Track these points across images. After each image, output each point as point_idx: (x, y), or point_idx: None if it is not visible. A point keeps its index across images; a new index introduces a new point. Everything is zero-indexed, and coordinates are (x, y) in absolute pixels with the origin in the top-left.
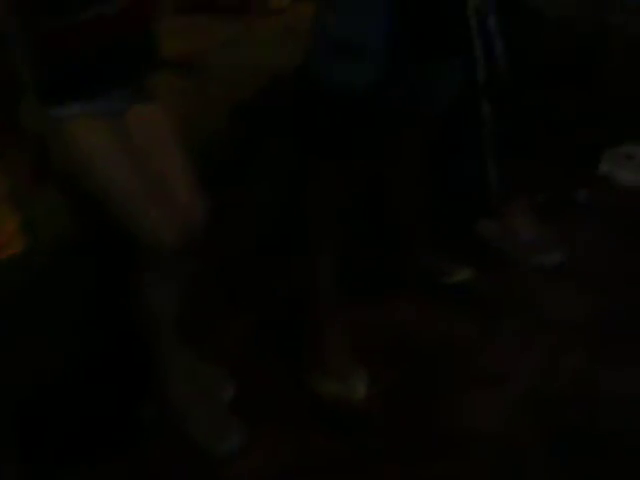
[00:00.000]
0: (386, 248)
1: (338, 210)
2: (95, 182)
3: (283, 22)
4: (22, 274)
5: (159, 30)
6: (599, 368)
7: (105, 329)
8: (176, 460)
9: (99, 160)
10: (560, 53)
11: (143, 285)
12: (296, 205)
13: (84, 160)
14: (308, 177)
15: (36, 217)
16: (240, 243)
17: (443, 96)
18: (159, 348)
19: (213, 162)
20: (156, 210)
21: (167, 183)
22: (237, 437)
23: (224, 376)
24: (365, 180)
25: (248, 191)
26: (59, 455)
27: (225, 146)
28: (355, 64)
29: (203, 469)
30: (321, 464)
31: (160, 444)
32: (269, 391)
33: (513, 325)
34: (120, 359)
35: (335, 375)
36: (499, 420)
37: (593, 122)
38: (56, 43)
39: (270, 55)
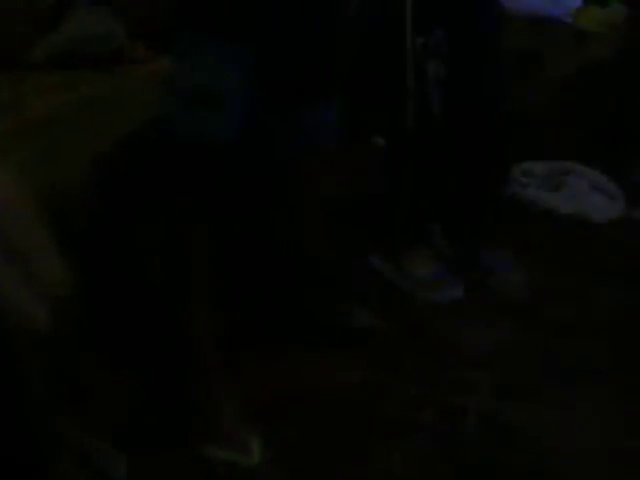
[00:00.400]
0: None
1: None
2: None
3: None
4: None
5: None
6: (505, 404)
7: None
8: None
9: None
10: None
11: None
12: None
13: None
14: (176, 241)
15: None
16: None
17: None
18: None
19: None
20: (24, 290)
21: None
22: None
23: (115, 455)
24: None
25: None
26: None
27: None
28: (208, 114)
29: None
30: None
31: None
32: (160, 464)
33: (417, 366)
34: None
35: (227, 442)
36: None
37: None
38: None
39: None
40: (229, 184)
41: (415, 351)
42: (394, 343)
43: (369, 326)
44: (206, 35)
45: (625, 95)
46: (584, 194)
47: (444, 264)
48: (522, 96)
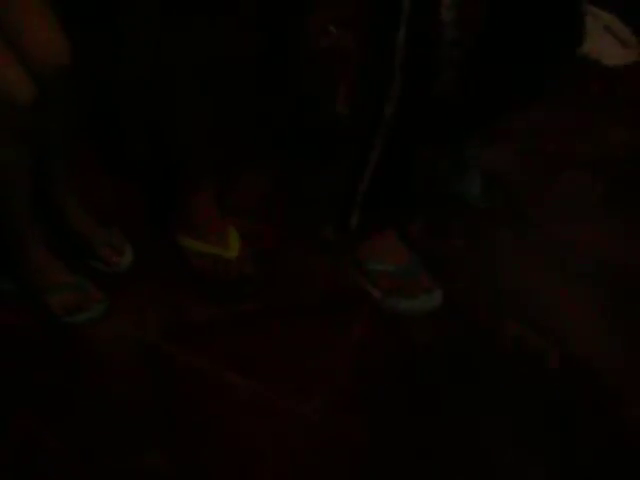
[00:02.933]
0: None
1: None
2: None
3: None
4: None
5: None
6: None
7: None
8: (30, 330)
9: None
10: None
11: None
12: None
13: None
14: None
15: None
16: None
17: None
18: (10, 215)
19: None
20: (5, 59)
21: (16, 24)
22: (100, 307)
23: (118, 240)
24: None
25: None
26: None
27: None
28: None
29: (59, 341)
30: (197, 328)
31: (17, 315)
32: (140, 249)
33: None
34: None
35: (206, 235)
36: None
37: None
38: None
39: None
40: None
41: None
42: None
43: None
44: None
45: None
46: (597, 36)
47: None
48: None
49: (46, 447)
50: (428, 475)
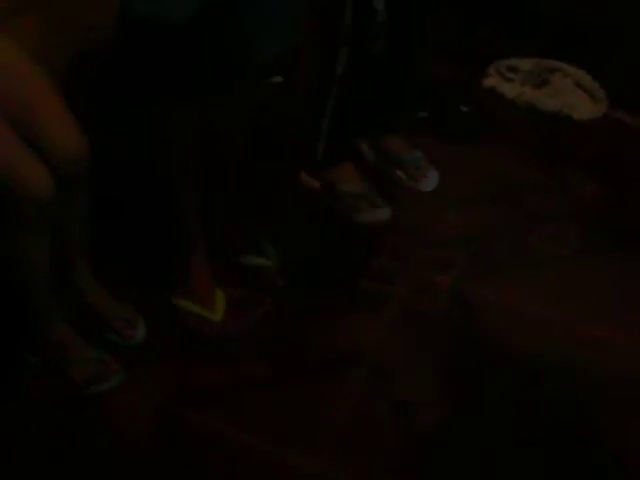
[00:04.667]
0: None
1: (189, 146)
2: None
3: None
4: None
5: None
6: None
7: None
8: (55, 400)
9: None
10: None
11: (14, 236)
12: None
13: None
14: (152, 118)
15: None
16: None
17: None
18: (33, 294)
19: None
20: (26, 158)
21: (38, 123)
22: (118, 377)
23: (132, 314)
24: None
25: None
26: None
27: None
28: None
29: (80, 410)
30: (193, 393)
31: (42, 386)
32: (151, 317)
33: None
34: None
35: (194, 295)
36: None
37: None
38: None
39: None
40: (194, 64)
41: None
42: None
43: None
44: None
45: None
46: (568, 92)
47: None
48: None
49: None
50: None
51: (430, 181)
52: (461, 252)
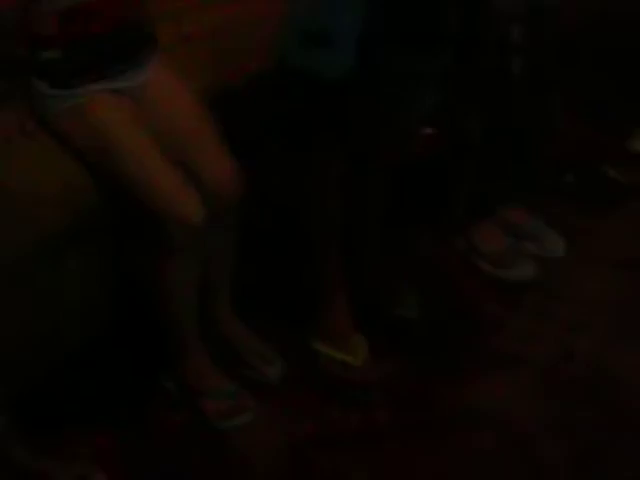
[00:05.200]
0: None
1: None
2: (115, 162)
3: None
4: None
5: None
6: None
7: (124, 302)
8: (187, 431)
9: (118, 140)
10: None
11: (164, 268)
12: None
13: (103, 140)
14: (301, 170)
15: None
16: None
17: (422, 99)
18: (179, 323)
19: None
20: (181, 185)
21: (194, 153)
22: (250, 414)
23: (269, 351)
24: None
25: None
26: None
27: None
28: (324, 52)
29: (212, 442)
30: (326, 435)
31: (174, 414)
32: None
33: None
34: (141, 331)
35: (338, 340)
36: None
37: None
38: (62, 25)
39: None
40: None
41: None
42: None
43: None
44: None
45: None
46: None
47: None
48: None
49: None
50: None
51: (555, 247)
52: (602, 316)
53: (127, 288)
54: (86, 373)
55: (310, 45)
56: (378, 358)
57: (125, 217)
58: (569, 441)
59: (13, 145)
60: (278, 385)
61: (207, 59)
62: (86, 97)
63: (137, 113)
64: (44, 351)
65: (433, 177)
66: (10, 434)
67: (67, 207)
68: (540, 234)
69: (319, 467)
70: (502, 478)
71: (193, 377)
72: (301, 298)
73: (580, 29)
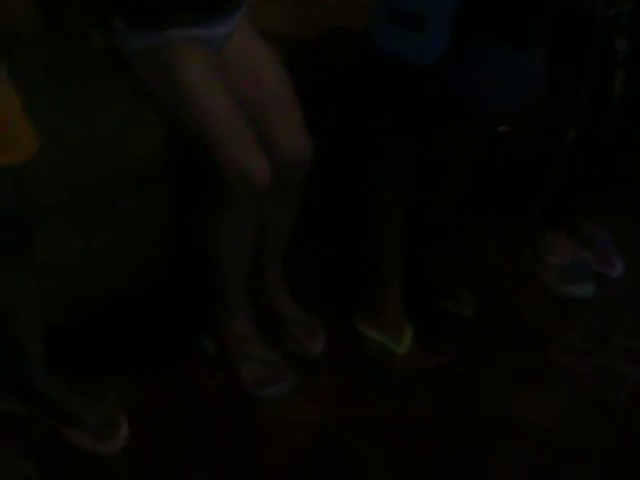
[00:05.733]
0: None
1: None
2: (189, 109)
3: None
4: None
5: None
6: None
7: (179, 252)
8: (219, 394)
9: (195, 89)
10: None
11: (221, 222)
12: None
13: (179, 87)
14: (371, 154)
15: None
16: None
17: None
18: (227, 282)
19: None
20: (250, 143)
21: (270, 115)
22: (286, 385)
23: (315, 326)
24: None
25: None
26: (105, 362)
27: None
28: (414, 35)
29: (242, 409)
30: (358, 419)
31: (210, 376)
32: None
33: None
34: (189, 287)
35: (382, 325)
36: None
37: None
38: None
39: None
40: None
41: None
42: None
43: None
44: None
45: None
46: None
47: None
48: None
49: None
50: None
51: (618, 268)
52: None
53: (183, 240)
54: (128, 319)
55: (401, 26)
56: (424, 351)
57: (190, 165)
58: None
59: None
60: (318, 361)
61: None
62: (166, 41)
63: (217, 64)
64: (91, 288)
65: (513, 178)
66: (43, 367)
67: (128, 149)
68: (606, 250)
69: (345, 450)
70: None
71: (233, 341)
72: (354, 278)
73: None
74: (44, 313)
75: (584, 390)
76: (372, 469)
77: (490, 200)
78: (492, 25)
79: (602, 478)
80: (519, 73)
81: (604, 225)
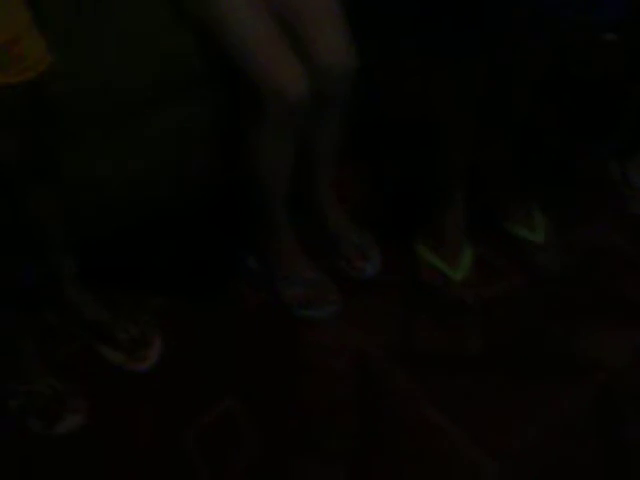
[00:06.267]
0: None
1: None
2: (211, 13)
3: None
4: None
5: None
6: None
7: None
8: (258, 314)
9: None
10: None
11: (258, 135)
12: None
13: None
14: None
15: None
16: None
17: None
18: (269, 199)
19: None
20: (283, 54)
21: (307, 19)
22: (331, 308)
23: (369, 244)
24: None
25: None
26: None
27: None
28: None
29: (282, 330)
30: (404, 349)
31: (251, 296)
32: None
33: None
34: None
35: (441, 249)
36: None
37: None
38: None
39: None
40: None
41: None
42: None
43: None
44: None
45: None
46: None
47: None
48: None
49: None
50: None
51: None
52: None
53: (226, 157)
54: (169, 237)
55: None
56: (485, 278)
57: (229, 77)
58: None
59: None
60: (369, 284)
61: None
62: None
63: None
64: (130, 205)
65: (604, 94)
66: (75, 283)
67: (160, 58)
68: None
69: (387, 381)
70: (576, 445)
71: (277, 259)
72: (415, 198)
73: None
74: (80, 228)
75: None
76: (416, 405)
77: (579, 120)
78: None
79: None
80: None
81: None
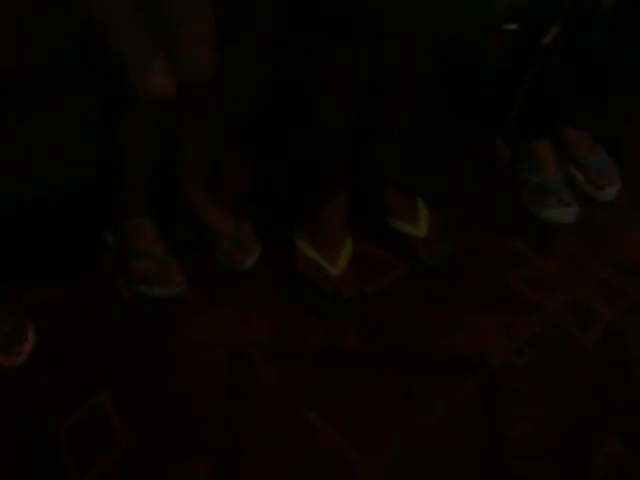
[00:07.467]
0: None
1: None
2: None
3: None
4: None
5: None
6: None
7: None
8: (136, 307)
9: None
10: None
11: (127, 123)
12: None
13: None
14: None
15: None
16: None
17: None
18: (122, 183)
19: None
20: (152, 54)
21: (181, 27)
22: (176, 290)
23: (248, 236)
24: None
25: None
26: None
27: None
28: None
29: (158, 324)
30: (278, 345)
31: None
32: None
33: None
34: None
35: (319, 244)
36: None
37: None
38: None
39: None
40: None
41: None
42: None
43: None
44: None
45: None
46: None
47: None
48: None
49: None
50: None
51: (610, 192)
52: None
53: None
54: (38, 224)
55: None
56: (366, 273)
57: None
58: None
59: None
60: (245, 276)
61: None
62: None
63: None
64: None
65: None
66: None
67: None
68: (598, 169)
69: (260, 378)
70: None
71: (129, 235)
72: (296, 189)
73: None
74: None
75: (547, 328)
76: (289, 403)
77: (468, 108)
78: None
79: (549, 431)
80: None
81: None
